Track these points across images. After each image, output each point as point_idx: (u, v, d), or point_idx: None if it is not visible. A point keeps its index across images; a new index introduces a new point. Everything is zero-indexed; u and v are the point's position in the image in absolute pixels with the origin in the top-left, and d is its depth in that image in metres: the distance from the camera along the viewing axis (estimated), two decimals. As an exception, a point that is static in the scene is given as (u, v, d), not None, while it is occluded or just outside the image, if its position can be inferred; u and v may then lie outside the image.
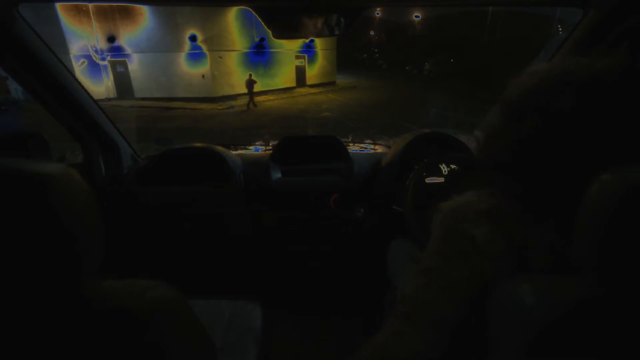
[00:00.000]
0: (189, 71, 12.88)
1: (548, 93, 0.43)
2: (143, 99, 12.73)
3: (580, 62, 0.43)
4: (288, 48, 15.40)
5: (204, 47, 12.50)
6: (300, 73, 16.55)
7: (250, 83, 12.28)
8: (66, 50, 12.09)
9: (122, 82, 13.29)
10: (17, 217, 0.34)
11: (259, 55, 14.38)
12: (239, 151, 1.71)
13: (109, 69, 13.22)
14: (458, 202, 0.52)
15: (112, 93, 13.27)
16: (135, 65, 13.08)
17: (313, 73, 17.22)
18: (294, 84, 16.00)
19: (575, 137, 0.40)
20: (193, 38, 12.35)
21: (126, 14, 12.17)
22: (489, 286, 0.43)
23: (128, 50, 12.90)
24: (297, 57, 16.36)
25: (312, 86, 16.68)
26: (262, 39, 13.84)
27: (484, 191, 0.51)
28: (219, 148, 1.51)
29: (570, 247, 0.36)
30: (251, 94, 12.43)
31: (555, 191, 0.43)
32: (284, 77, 15.46)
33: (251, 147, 1.81)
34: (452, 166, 1.25)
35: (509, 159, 0.47)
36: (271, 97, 13.90)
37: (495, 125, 0.49)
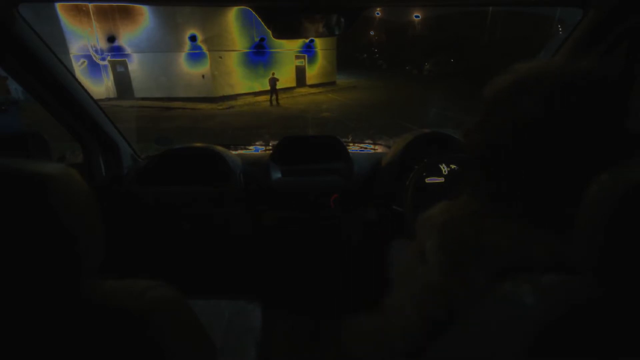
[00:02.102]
0: (189, 71, 12.88)
1: (519, 93, 0.44)
2: (143, 99, 12.73)
3: (559, 63, 0.43)
4: (288, 48, 15.40)
5: (204, 47, 12.51)
6: (300, 73, 16.56)
7: (273, 81, 12.85)
8: (66, 50, 12.10)
9: (122, 82, 13.30)
10: (18, 217, 0.34)
11: (259, 55, 14.39)
12: (239, 151, 1.71)
13: (109, 69, 13.23)
14: (426, 214, 0.55)
15: (112, 93, 13.27)
16: (135, 65, 13.08)
17: (313, 73, 17.22)
18: (294, 84, 16.00)
19: (542, 137, 0.41)
20: (193, 38, 12.36)
21: (126, 14, 12.17)
22: (445, 300, 0.46)
23: (128, 50, 12.90)
24: (297, 57, 16.36)
25: (312, 86, 16.68)
26: (262, 39, 13.85)
27: (453, 201, 0.53)
28: (219, 148, 1.51)
29: (568, 246, 0.36)
30: (274, 91, 12.97)
31: (531, 189, 0.44)
32: (284, 77, 15.45)
33: (251, 147, 1.81)
34: (452, 166, 1.25)
35: (484, 157, 0.49)
36: (271, 97, 13.93)
37: (475, 122, 0.51)
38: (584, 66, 0.41)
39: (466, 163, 1.21)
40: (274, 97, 13.06)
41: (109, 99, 12.54)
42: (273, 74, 13.15)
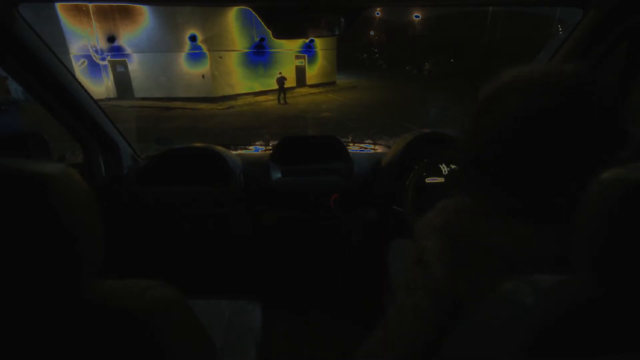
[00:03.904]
0: (189, 71, 12.88)
1: (506, 96, 0.45)
2: (143, 99, 12.74)
3: (543, 69, 0.45)
4: (288, 48, 15.40)
5: (204, 47, 12.51)
6: (300, 73, 16.56)
7: (281, 80, 13.18)
8: (66, 50, 12.10)
9: (122, 82, 13.30)
10: (18, 217, 0.34)
11: (259, 55, 14.39)
12: (239, 151, 1.71)
13: (109, 69, 13.23)
14: (426, 216, 0.54)
15: (112, 93, 13.27)
16: (135, 65, 13.08)
17: (313, 73, 17.22)
18: (294, 84, 15.99)
19: (527, 139, 0.43)
20: (193, 38, 12.36)
21: (126, 14, 12.17)
22: (449, 304, 0.46)
23: (128, 50, 12.90)
24: (297, 57, 16.36)
25: (312, 86, 16.68)
26: (262, 39, 13.86)
27: (452, 200, 0.53)
28: (219, 148, 1.51)
29: (568, 247, 0.36)
30: (282, 90, 13.26)
31: (522, 185, 0.45)
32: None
33: (251, 147, 1.81)
34: (452, 166, 1.26)
35: (474, 156, 0.50)
36: (271, 97, 13.91)
37: (466, 124, 0.52)
38: (568, 69, 0.43)
39: (461, 163, 1.21)
40: (281, 95, 13.27)
41: (109, 99, 12.54)
42: (280, 73, 13.42)
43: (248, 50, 13.97)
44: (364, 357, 0.58)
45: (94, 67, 12.84)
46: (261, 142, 1.95)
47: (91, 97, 1.24)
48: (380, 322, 0.59)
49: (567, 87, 0.41)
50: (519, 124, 0.43)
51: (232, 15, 12.96)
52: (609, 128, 0.41)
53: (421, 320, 0.50)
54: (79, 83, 1.18)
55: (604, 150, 0.41)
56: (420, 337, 0.50)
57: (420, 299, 0.50)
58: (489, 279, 0.42)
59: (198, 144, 1.52)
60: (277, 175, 1.48)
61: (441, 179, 1.26)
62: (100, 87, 12.85)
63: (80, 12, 12.02)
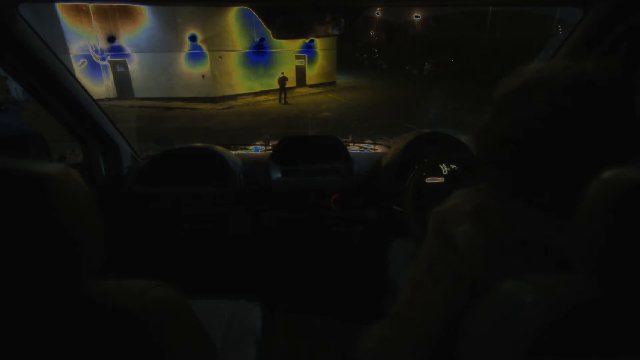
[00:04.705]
0: (189, 71, 12.89)
1: (530, 93, 0.45)
2: (143, 99, 12.75)
3: (565, 65, 0.44)
4: (288, 48, 15.40)
5: (204, 47, 12.51)
6: (300, 73, 16.57)
7: (282, 80, 13.20)
8: (66, 50, 12.10)
9: (122, 82, 13.30)
10: (17, 217, 0.34)
11: (259, 55, 14.40)
12: (239, 151, 1.71)
13: (109, 69, 13.23)
14: (445, 205, 0.54)
15: (112, 93, 13.27)
16: (135, 65, 13.08)
17: (313, 73, 17.23)
18: (294, 84, 16.00)
19: (554, 135, 0.42)
20: (193, 38, 12.36)
21: (126, 14, 12.18)
22: (477, 288, 0.45)
23: (128, 50, 12.90)
24: (297, 57, 16.37)
25: (312, 86, 16.69)
26: (262, 39, 13.87)
27: (472, 189, 0.53)
28: (219, 148, 1.51)
29: (570, 245, 0.36)
30: (283, 90, 13.29)
31: (542, 186, 0.45)
32: (284, 77, 15.54)
33: (251, 147, 1.81)
34: (452, 166, 1.26)
35: (495, 154, 0.49)
36: (271, 97, 13.92)
37: (484, 122, 0.52)
38: (588, 67, 0.43)
39: (474, 162, 1.21)
40: (282, 95, 13.31)
41: (109, 99, 12.55)
42: (282, 73, 13.48)
43: (248, 50, 13.97)
44: (364, 356, 0.58)
45: (94, 67, 12.84)
46: (261, 142, 1.95)
47: (91, 97, 1.24)
48: (380, 321, 0.58)
49: (593, 83, 0.41)
50: (544, 120, 0.43)
51: (232, 15, 12.96)
52: (634, 123, 0.41)
53: (427, 317, 0.50)
54: (79, 83, 1.18)
55: (630, 145, 0.41)
56: (422, 335, 0.50)
57: (444, 287, 0.48)
58: (523, 266, 0.42)
59: (198, 144, 1.52)
60: (277, 175, 1.48)
61: (441, 179, 1.26)
62: (100, 87, 12.85)
63: (80, 12, 12.02)
